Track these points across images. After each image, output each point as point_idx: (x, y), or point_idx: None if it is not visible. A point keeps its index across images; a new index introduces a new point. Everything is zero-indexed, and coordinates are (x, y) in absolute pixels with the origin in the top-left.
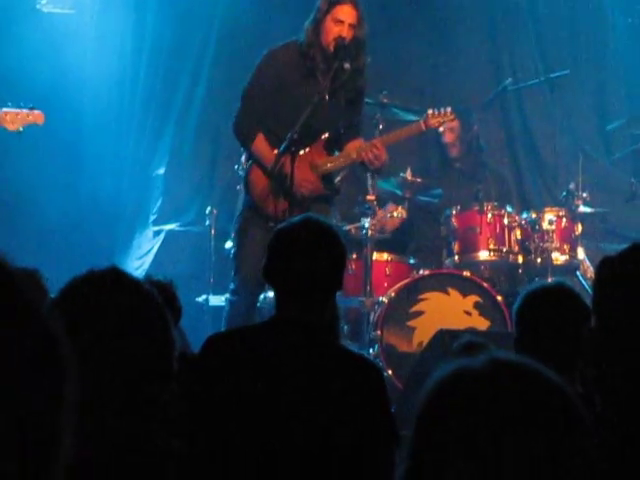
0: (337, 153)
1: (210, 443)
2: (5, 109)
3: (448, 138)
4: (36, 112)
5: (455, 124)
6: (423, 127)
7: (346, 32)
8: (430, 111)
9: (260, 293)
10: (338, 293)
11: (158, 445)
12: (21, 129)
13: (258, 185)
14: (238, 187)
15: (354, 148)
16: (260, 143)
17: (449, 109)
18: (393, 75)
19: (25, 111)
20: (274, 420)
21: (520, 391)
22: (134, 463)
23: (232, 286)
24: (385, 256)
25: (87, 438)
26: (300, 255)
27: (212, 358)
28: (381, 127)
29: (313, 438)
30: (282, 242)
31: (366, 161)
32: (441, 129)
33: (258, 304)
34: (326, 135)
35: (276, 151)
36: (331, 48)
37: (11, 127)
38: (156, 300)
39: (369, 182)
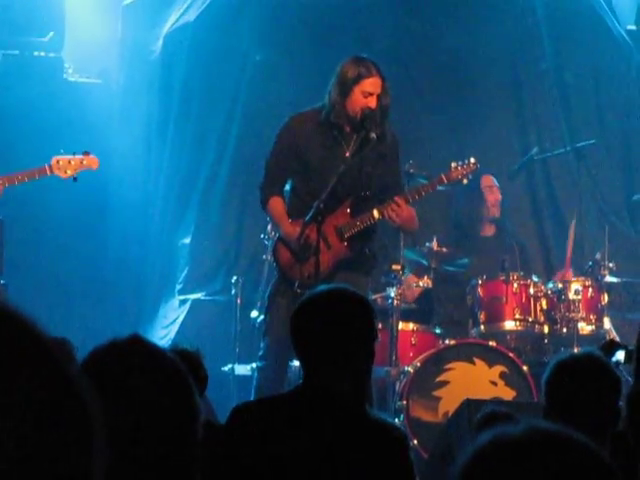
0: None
1: None
2: (56, 156)
3: (493, 197)
4: (90, 157)
5: (495, 184)
6: (444, 180)
7: (374, 103)
8: (454, 164)
9: (288, 359)
10: None
11: None
12: (75, 176)
13: (284, 252)
14: (264, 256)
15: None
16: (273, 205)
17: (472, 159)
18: (418, 146)
19: (79, 157)
20: None
21: (562, 459)
22: None
23: (261, 352)
24: (411, 326)
25: None
26: (333, 322)
27: (238, 428)
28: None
29: None
30: (314, 309)
31: (387, 219)
32: (482, 187)
33: (290, 373)
34: (351, 199)
35: (285, 215)
36: (358, 117)
37: (64, 175)
38: (179, 368)
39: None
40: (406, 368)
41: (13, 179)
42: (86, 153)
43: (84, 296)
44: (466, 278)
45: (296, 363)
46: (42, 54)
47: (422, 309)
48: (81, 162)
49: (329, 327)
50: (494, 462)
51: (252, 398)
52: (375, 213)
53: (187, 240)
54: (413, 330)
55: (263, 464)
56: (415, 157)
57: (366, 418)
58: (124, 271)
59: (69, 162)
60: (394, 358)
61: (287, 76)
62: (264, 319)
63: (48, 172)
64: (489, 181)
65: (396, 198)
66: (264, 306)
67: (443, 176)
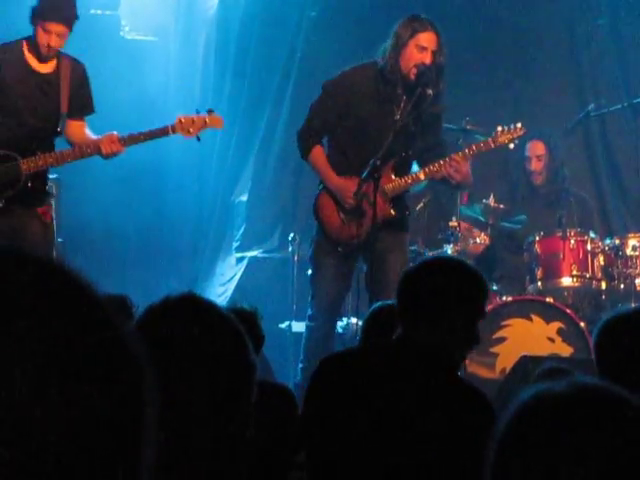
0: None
1: (324, 465)
2: (180, 115)
3: (535, 166)
4: (214, 115)
5: (542, 152)
6: (492, 145)
7: (429, 59)
8: (499, 128)
9: (337, 318)
10: None
11: (234, 470)
12: (199, 135)
13: (327, 210)
14: None
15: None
16: (317, 155)
17: (519, 124)
18: (475, 102)
19: (202, 115)
20: (384, 445)
21: (602, 415)
22: None
23: (309, 312)
24: None
25: (165, 466)
26: (438, 275)
27: (326, 380)
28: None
29: (421, 466)
30: (427, 273)
31: (447, 175)
32: (527, 153)
33: (340, 330)
34: (394, 159)
35: (327, 168)
36: (412, 74)
37: (187, 134)
38: (234, 325)
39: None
40: None
41: (135, 139)
42: (210, 111)
43: (141, 255)
44: (523, 235)
45: (353, 320)
46: (99, 12)
47: (479, 266)
48: (204, 121)
49: (438, 289)
50: (536, 417)
51: (302, 357)
52: (421, 175)
53: (244, 197)
54: None
55: (351, 416)
56: (471, 114)
57: (457, 378)
58: (181, 229)
59: (192, 121)
60: None
61: (343, 32)
62: (311, 279)
63: (171, 132)
64: (535, 149)
65: (454, 155)
66: (311, 265)
67: (490, 140)
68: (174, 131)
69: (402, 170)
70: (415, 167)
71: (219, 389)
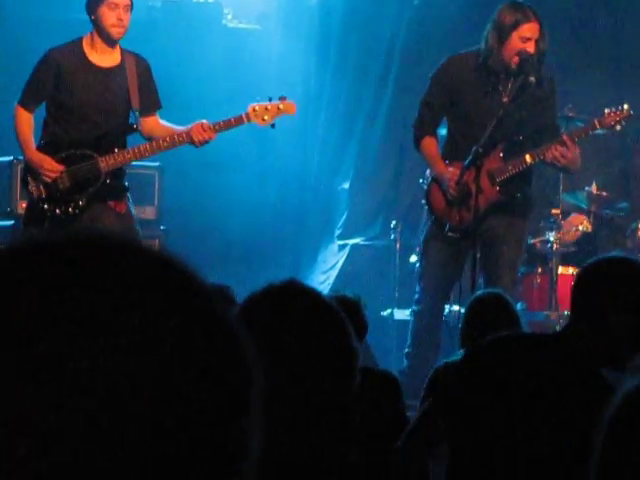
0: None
1: (472, 452)
2: (253, 104)
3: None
4: (287, 102)
5: None
6: (597, 125)
7: (532, 48)
8: (607, 110)
9: (444, 304)
10: (522, 306)
11: (336, 455)
12: (273, 123)
13: (438, 197)
14: (423, 201)
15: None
16: (427, 145)
17: (626, 106)
18: (576, 88)
19: (275, 103)
20: (529, 434)
21: None
22: (310, 474)
23: (416, 296)
24: (570, 270)
25: (266, 450)
26: (614, 274)
27: (479, 367)
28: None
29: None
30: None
31: (550, 160)
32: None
33: (445, 317)
34: (503, 144)
35: (437, 158)
36: (514, 62)
37: (261, 122)
38: (336, 312)
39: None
40: (566, 312)
41: (220, 127)
42: (282, 98)
43: (242, 243)
44: (626, 222)
45: (455, 308)
46: (201, 0)
47: (582, 253)
48: (278, 108)
49: (612, 289)
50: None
51: (408, 342)
52: (527, 158)
53: (346, 185)
54: (573, 274)
55: (501, 404)
56: (572, 102)
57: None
58: (283, 217)
59: (266, 109)
60: (554, 302)
61: (446, 19)
62: (419, 263)
63: (245, 120)
64: None
65: (563, 137)
66: (420, 249)
67: (596, 121)
68: (248, 119)
69: (512, 154)
70: None
71: (322, 376)
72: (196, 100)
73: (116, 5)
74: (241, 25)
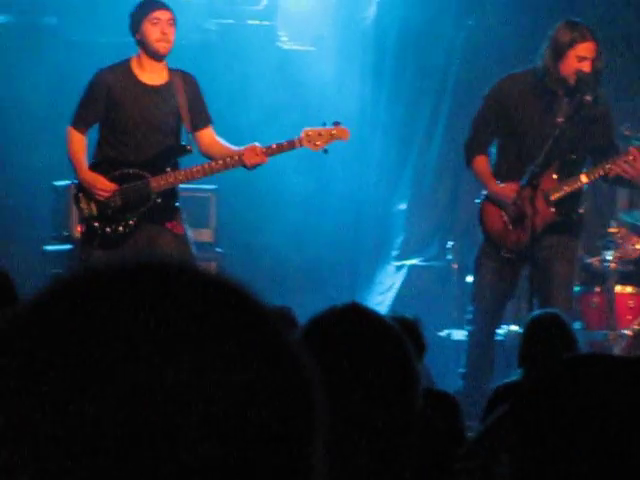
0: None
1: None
2: (306, 128)
3: None
4: (341, 127)
5: None
6: None
7: (588, 67)
8: None
9: (498, 324)
10: (580, 326)
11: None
12: (326, 148)
13: (491, 216)
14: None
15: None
16: (478, 163)
17: None
18: (633, 107)
19: (328, 128)
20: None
21: None
22: None
23: (470, 316)
24: (628, 289)
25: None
26: None
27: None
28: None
29: None
30: None
31: (620, 172)
32: None
33: (501, 337)
34: (557, 163)
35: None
36: (572, 81)
37: (314, 147)
38: (397, 334)
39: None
40: (624, 331)
41: (273, 151)
42: (336, 124)
43: (300, 264)
44: None
45: (512, 328)
46: (256, 22)
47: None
48: (331, 133)
49: None
50: None
51: (464, 363)
52: (583, 178)
53: (403, 206)
54: (631, 293)
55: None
56: (629, 120)
57: None
58: (340, 239)
59: (319, 134)
60: (612, 322)
61: (499, 40)
62: (473, 283)
63: (298, 145)
64: None
65: (632, 149)
66: (474, 269)
67: None
68: (301, 144)
69: (567, 173)
70: None
71: (384, 398)
72: (249, 123)
73: (158, 20)
74: (296, 47)
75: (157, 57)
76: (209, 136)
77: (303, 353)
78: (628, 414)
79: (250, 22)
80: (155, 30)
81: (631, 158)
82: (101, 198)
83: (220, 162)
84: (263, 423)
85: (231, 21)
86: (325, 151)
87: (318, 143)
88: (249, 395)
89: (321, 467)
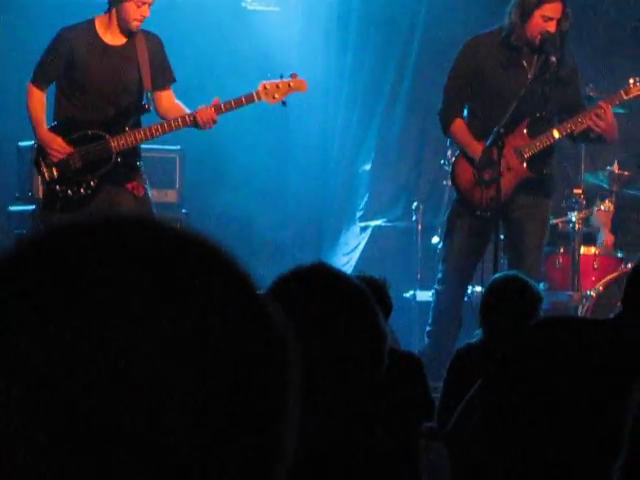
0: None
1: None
2: (263, 81)
3: None
4: (298, 79)
5: None
6: (623, 95)
7: (553, 27)
8: (632, 79)
9: (467, 283)
10: (545, 287)
11: (364, 440)
12: (284, 100)
13: (464, 176)
14: (444, 182)
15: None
16: (457, 128)
17: None
18: (597, 68)
19: (286, 80)
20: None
21: None
22: (340, 458)
23: (439, 275)
24: (593, 250)
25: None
26: None
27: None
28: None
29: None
30: None
31: (592, 125)
32: None
33: (465, 298)
34: (528, 120)
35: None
36: (537, 41)
37: (272, 100)
38: (365, 293)
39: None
40: (588, 292)
41: (221, 107)
42: (293, 75)
43: (264, 224)
44: None
45: (477, 289)
46: None
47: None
48: (289, 85)
49: None
50: None
51: (430, 321)
52: (555, 133)
53: (367, 167)
54: (595, 254)
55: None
56: (594, 80)
57: None
58: (304, 199)
59: (277, 86)
60: (576, 283)
61: (465, 2)
62: (443, 242)
63: (255, 98)
64: None
65: (601, 102)
66: (444, 229)
67: (622, 92)
68: (259, 97)
69: (537, 130)
70: None
71: (352, 358)
72: (214, 84)
73: (143, 3)
74: (261, 7)
75: (127, 31)
76: (168, 98)
77: (276, 310)
78: (588, 372)
79: None
80: (137, 12)
81: (602, 111)
82: (55, 160)
83: (180, 121)
84: (238, 380)
85: None
86: (283, 103)
87: (276, 96)
88: (227, 352)
89: (294, 424)
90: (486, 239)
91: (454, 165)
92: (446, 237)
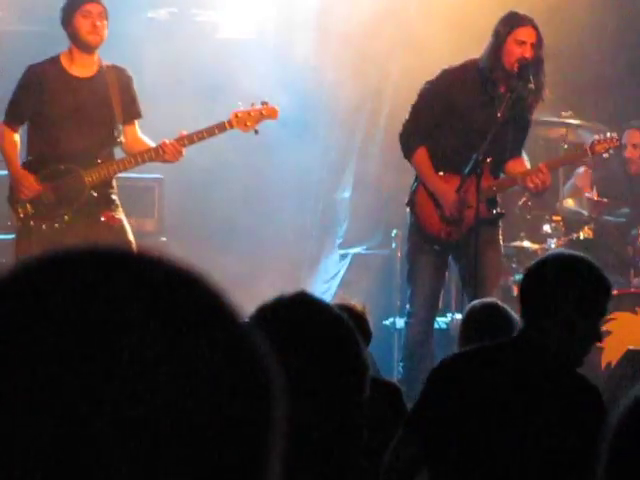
0: (502, 175)
1: (445, 464)
2: (235, 110)
3: (630, 154)
4: (269, 106)
5: (635, 141)
6: (589, 153)
7: (529, 52)
8: (597, 137)
9: (435, 315)
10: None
11: (350, 467)
12: (256, 128)
13: (425, 207)
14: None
15: (518, 171)
16: (420, 158)
17: (614, 134)
18: (578, 94)
19: (258, 108)
20: (503, 442)
21: None
22: None
23: (408, 309)
24: None
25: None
26: (559, 271)
27: (448, 381)
28: (566, 147)
29: (535, 464)
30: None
31: (532, 187)
32: (624, 141)
33: (444, 326)
34: (491, 158)
35: (430, 170)
36: (515, 69)
37: (244, 128)
38: (346, 323)
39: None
40: None
41: (193, 137)
42: (264, 103)
43: (242, 253)
44: (627, 227)
45: (457, 316)
46: (196, 13)
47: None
48: (261, 113)
49: (559, 286)
50: None
51: (402, 354)
52: (519, 180)
53: (346, 194)
54: None
55: (472, 414)
56: (573, 107)
57: (576, 375)
58: (283, 226)
59: (249, 114)
60: None
61: (446, 30)
62: (408, 276)
63: (228, 127)
64: (632, 137)
65: (541, 167)
66: (408, 262)
67: (588, 149)
68: (231, 126)
69: (496, 171)
70: None
71: (334, 389)
72: (187, 112)
73: (89, 13)
74: (235, 36)
75: (88, 49)
76: (132, 132)
77: (260, 339)
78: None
79: (194, 11)
80: (86, 23)
81: (542, 176)
82: (25, 197)
83: (151, 153)
84: (222, 411)
85: (174, 10)
86: (256, 132)
87: (249, 124)
88: (208, 381)
89: (278, 455)
90: (445, 268)
91: (414, 193)
92: (411, 270)
